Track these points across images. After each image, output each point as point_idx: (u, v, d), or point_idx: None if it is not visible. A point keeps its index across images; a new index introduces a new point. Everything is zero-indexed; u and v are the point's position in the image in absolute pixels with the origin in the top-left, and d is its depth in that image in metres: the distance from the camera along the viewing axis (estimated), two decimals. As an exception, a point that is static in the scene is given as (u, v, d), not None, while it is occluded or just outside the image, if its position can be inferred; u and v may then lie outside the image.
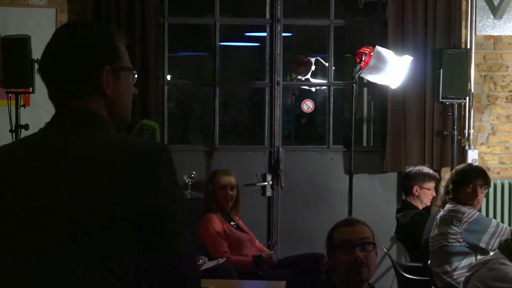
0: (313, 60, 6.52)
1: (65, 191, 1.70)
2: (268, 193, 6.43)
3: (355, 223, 2.96)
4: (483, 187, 4.59)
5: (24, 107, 5.35)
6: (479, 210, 4.72)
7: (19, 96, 5.30)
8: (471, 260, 4.42)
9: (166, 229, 1.71)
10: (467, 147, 6.40)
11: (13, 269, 1.72)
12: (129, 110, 1.89)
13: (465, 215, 4.47)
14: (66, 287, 1.68)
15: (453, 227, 4.47)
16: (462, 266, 4.44)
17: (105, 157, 1.72)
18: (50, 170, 1.74)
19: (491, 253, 4.06)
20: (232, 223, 5.40)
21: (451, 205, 4.56)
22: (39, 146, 1.79)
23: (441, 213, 4.61)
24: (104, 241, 1.68)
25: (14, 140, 5.03)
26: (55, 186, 1.72)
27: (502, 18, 6.39)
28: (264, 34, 6.54)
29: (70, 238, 1.68)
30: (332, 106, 6.50)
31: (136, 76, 1.92)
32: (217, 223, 5.28)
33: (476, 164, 5.50)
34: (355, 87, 5.51)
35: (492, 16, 6.40)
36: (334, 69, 6.60)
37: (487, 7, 6.39)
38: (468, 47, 6.35)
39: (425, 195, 5.50)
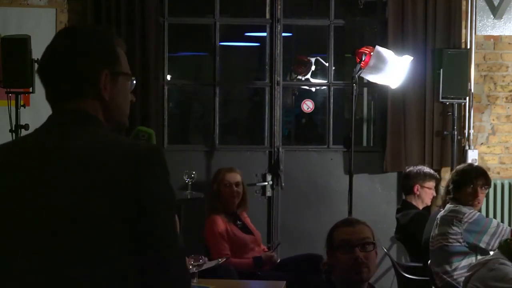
0: (313, 60, 6.52)
1: (64, 191, 1.71)
2: (268, 193, 6.43)
3: (355, 223, 2.96)
4: (483, 187, 4.59)
5: (24, 107, 5.35)
6: (479, 210, 4.72)
7: (19, 96, 5.30)
8: (471, 260, 4.42)
9: (156, 230, 1.71)
10: (467, 147, 6.40)
11: (13, 269, 1.72)
12: (126, 115, 1.90)
13: (466, 215, 4.47)
14: (66, 287, 1.68)
15: (453, 227, 4.47)
16: (462, 266, 4.44)
17: (103, 157, 1.73)
18: (49, 170, 1.74)
19: (491, 253, 4.06)
20: (238, 222, 5.36)
21: (451, 205, 4.56)
22: (37, 146, 1.79)
23: (442, 213, 4.61)
24: (103, 241, 1.68)
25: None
26: (55, 186, 1.72)
27: (502, 18, 6.39)
28: (264, 34, 6.54)
29: (70, 238, 1.68)
30: (332, 106, 6.50)
31: (134, 82, 1.93)
32: (220, 224, 5.25)
33: (476, 164, 5.49)
34: (355, 87, 5.51)
35: (492, 16, 6.40)
36: (334, 69, 6.60)
37: (487, 7, 6.39)
38: (468, 47, 6.35)
39: (426, 194, 5.50)
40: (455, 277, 4.45)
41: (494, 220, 4.61)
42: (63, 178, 1.72)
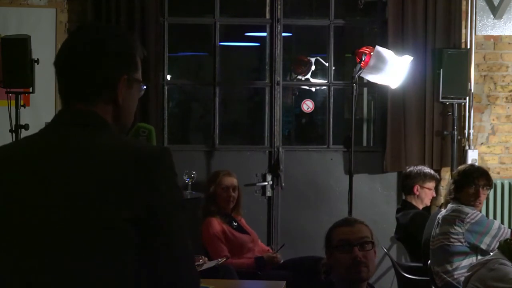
0: (313, 60, 6.52)
1: (66, 191, 1.70)
2: (268, 193, 6.43)
3: (353, 223, 2.96)
4: (485, 188, 4.60)
5: (24, 107, 5.35)
6: (479, 210, 4.72)
7: (19, 96, 5.29)
8: (472, 260, 4.42)
9: (165, 231, 1.71)
10: (467, 147, 6.40)
11: (12, 269, 1.71)
12: (131, 121, 1.89)
13: (468, 215, 4.47)
14: (65, 287, 1.68)
15: (455, 227, 4.47)
16: (462, 266, 4.44)
17: (108, 158, 1.72)
18: (51, 170, 1.73)
19: (491, 254, 4.06)
20: (233, 223, 5.37)
21: (453, 205, 4.56)
22: (41, 146, 1.79)
23: (443, 212, 4.61)
24: (104, 242, 1.67)
25: (14, 140, 5.03)
26: (56, 186, 1.71)
27: (502, 18, 6.40)
28: (264, 34, 6.54)
29: (70, 238, 1.68)
30: (332, 106, 6.51)
31: (144, 88, 1.92)
32: (217, 226, 5.25)
33: (476, 164, 5.50)
34: (355, 87, 5.51)
35: (492, 16, 6.40)
36: (334, 69, 6.60)
37: (487, 7, 6.39)
38: (468, 47, 6.35)
39: (425, 195, 5.50)
40: (455, 276, 4.45)
41: (496, 221, 4.62)
42: (64, 179, 1.71)
